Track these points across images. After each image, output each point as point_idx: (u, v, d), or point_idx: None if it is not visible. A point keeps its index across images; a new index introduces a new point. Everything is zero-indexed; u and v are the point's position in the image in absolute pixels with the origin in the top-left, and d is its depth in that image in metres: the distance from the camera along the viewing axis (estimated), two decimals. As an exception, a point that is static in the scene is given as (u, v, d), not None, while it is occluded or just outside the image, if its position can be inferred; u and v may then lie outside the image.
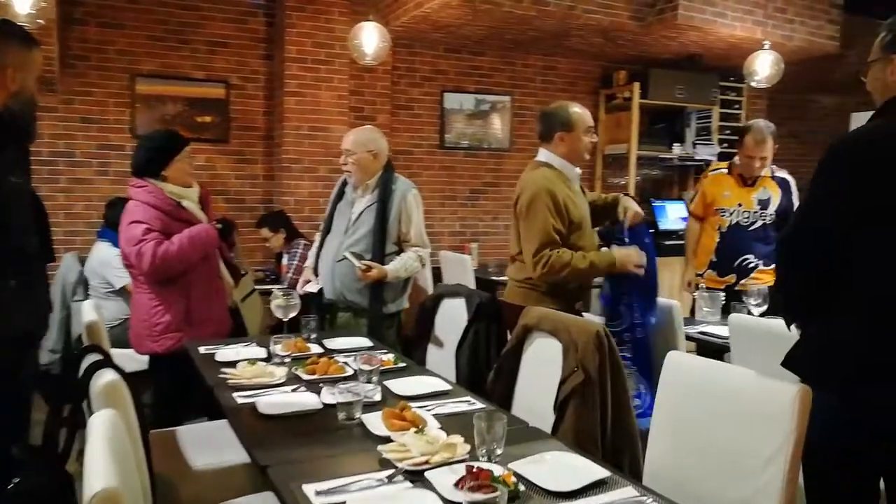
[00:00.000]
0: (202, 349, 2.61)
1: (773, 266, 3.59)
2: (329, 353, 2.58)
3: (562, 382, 2.20)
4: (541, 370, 2.35)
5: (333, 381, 2.17)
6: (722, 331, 3.11)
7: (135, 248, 2.74)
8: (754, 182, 3.61)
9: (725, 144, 6.31)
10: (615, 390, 2.18)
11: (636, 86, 5.86)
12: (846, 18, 5.68)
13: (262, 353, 2.54)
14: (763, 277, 3.56)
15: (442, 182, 5.85)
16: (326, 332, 2.94)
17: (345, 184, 3.29)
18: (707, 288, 3.62)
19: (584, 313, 2.87)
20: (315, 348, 2.63)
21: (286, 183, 5.11)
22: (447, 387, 2.16)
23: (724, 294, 3.52)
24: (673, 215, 6.23)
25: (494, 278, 4.98)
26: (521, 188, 2.76)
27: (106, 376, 1.55)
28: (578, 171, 2.84)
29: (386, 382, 2.18)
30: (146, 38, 4.90)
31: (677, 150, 6.19)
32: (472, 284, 4.58)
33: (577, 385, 2.15)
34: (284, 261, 4.52)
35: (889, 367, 1.65)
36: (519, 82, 6.07)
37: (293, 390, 2.12)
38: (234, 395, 2.07)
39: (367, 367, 2.15)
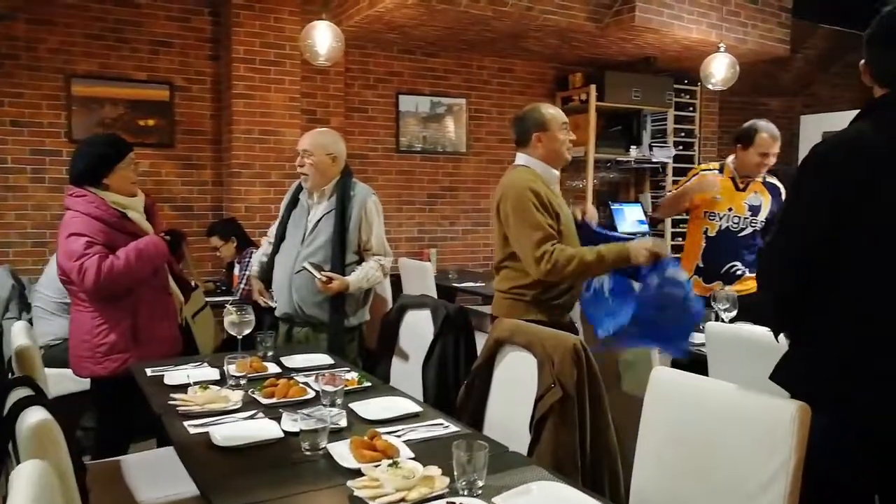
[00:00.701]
0: (149, 371, 2.41)
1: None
2: (288, 372, 2.41)
3: (538, 400, 2.08)
4: (514, 386, 2.23)
5: (294, 405, 2.01)
6: (697, 338, 3.04)
7: (76, 263, 2.52)
8: (746, 186, 3.50)
9: (681, 147, 6.33)
10: (594, 406, 2.07)
11: (592, 88, 5.82)
12: (793, 23, 5.75)
13: (214, 374, 2.36)
14: (751, 285, 3.49)
15: (399, 187, 5.70)
16: (283, 349, 2.76)
17: (299, 190, 3.11)
18: None
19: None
20: (272, 368, 2.46)
21: (236, 189, 4.89)
22: (417, 408, 2.02)
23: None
24: (631, 218, 6.21)
25: (456, 285, 4.86)
26: (501, 193, 2.64)
27: (35, 416, 1.36)
28: (557, 173, 2.73)
29: (351, 405, 2.02)
30: (82, 37, 4.62)
31: (634, 152, 6.18)
32: (432, 292, 4.45)
33: (555, 402, 2.04)
34: (236, 271, 4.31)
35: (881, 385, 1.58)
36: (475, 84, 5.97)
37: (250, 417, 1.95)
38: (186, 423, 1.89)
39: (330, 389, 1.99)
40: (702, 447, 1.60)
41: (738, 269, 3.48)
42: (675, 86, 6.21)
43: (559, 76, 6.23)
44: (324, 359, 2.61)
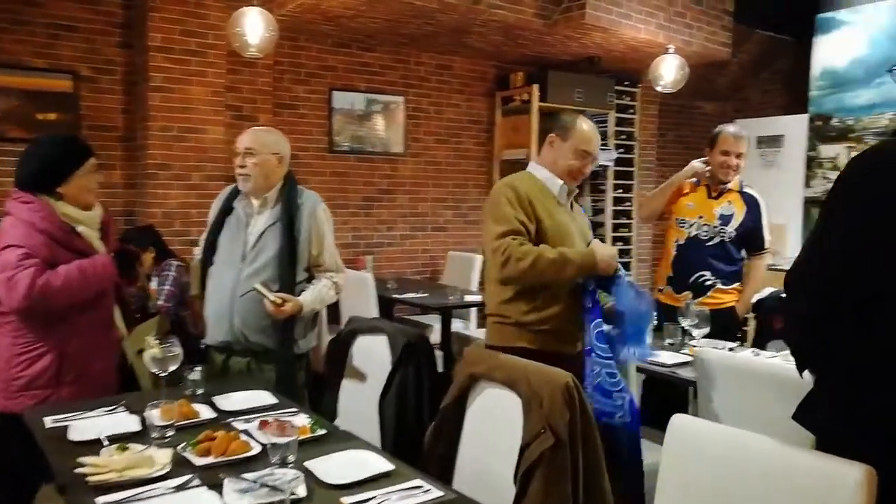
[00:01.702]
0: (49, 421, 1.97)
1: (734, 285, 3.36)
2: (223, 417, 2.04)
3: (525, 447, 1.80)
4: (492, 430, 1.95)
5: (237, 466, 1.65)
6: (661, 357, 2.84)
7: (6, 275, 2.17)
8: (720, 195, 3.36)
9: (622, 150, 6.22)
10: (587, 452, 1.82)
11: (535, 88, 5.61)
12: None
13: (133, 423, 1.96)
14: (723, 298, 3.32)
15: (332, 189, 5.31)
16: (217, 385, 2.35)
17: (233, 196, 2.70)
18: (664, 309, 3.36)
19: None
20: (205, 411, 2.07)
21: (152, 192, 4.39)
22: (388, 465, 1.69)
23: (654, 313, 3.27)
24: (572, 222, 6.04)
25: (396, 296, 4.53)
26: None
27: None
28: (563, 185, 2.45)
29: (308, 463, 1.68)
30: (-32, 17, 4.04)
31: (575, 154, 6.00)
32: (373, 305, 4.12)
33: (545, 450, 1.77)
34: (153, 284, 3.82)
35: None
36: (413, 82, 5.65)
37: (182, 486, 1.58)
38: (98, 501, 1.50)
39: (280, 441, 1.65)
40: (740, 516, 1.35)
41: (707, 280, 3.34)
42: (617, 87, 6.09)
43: (500, 75, 5.99)
44: (265, 397, 2.23)
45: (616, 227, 6.32)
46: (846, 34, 5.62)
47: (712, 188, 3.38)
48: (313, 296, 2.58)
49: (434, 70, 5.76)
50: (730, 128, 3.39)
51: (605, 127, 6.12)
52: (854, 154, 1.50)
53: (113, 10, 4.45)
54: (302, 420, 1.97)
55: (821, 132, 5.85)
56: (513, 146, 5.90)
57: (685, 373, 2.62)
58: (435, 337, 4.62)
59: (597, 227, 6.19)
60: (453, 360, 4.46)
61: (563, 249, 2.29)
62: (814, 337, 1.53)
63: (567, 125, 2.44)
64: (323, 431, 1.92)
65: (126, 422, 1.97)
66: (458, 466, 2.01)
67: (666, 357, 2.84)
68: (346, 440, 1.90)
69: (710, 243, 3.33)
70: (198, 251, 2.77)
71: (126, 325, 2.61)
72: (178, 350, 2.13)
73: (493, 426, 1.94)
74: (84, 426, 1.91)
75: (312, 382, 2.71)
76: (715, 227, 3.32)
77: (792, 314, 1.59)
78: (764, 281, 3.64)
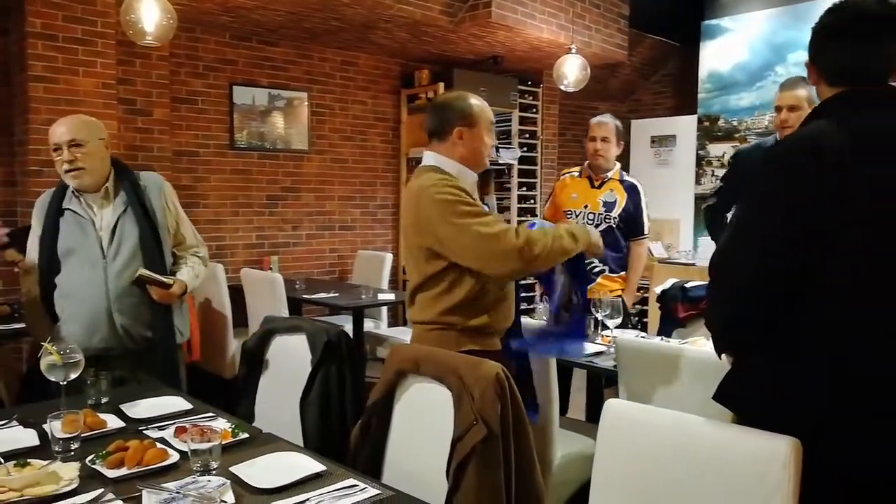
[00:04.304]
0: (-70, 440, 1.78)
1: (620, 273, 3.53)
2: (134, 425, 1.90)
3: (457, 440, 1.78)
4: (422, 425, 1.91)
5: (155, 476, 1.54)
6: (589, 349, 2.91)
7: None
8: (602, 184, 3.53)
9: (525, 148, 6.34)
10: (519, 443, 1.82)
11: (441, 86, 5.62)
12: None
13: (31, 437, 1.79)
14: (609, 285, 3.47)
15: (234, 188, 5.11)
16: (121, 394, 2.19)
17: (59, 197, 2.48)
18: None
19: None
20: (113, 421, 1.92)
21: (34, 191, 4.04)
22: (319, 466, 1.63)
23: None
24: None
25: (305, 296, 4.41)
26: (416, 200, 2.15)
27: None
28: (475, 177, 2.29)
29: (233, 468, 1.58)
30: None
31: (481, 153, 6.06)
32: (283, 307, 3.99)
33: (477, 443, 1.75)
34: (39, 290, 3.54)
35: (856, 421, 1.45)
36: (317, 78, 5.53)
37: (94, 501, 1.45)
38: (-2, 523, 1.35)
39: (202, 447, 1.55)
40: (672, 496, 1.38)
41: (595, 267, 3.50)
42: (519, 87, 6.20)
43: (405, 72, 5.97)
44: (177, 402, 2.10)
45: (543, 217, 6.43)
46: (729, 40, 5.98)
47: (594, 178, 3.56)
48: (189, 273, 2.52)
49: (339, 66, 5.66)
50: (597, 116, 3.61)
51: (509, 126, 6.22)
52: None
53: (-14, -7, 4.10)
54: (222, 424, 1.87)
55: (709, 132, 6.20)
56: (420, 144, 5.87)
57: (601, 362, 2.69)
58: (346, 337, 4.54)
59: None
60: (366, 359, 4.39)
61: (567, 227, 2.18)
62: (738, 321, 1.59)
63: (467, 111, 2.20)
64: (246, 435, 1.82)
65: (22, 437, 1.80)
66: (386, 464, 1.96)
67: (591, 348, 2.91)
68: (271, 443, 1.81)
69: (597, 230, 3.48)
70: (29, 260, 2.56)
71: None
72: (79, 356, 1.97)
73: (423, 421, 1.91)
74: (-27, 444, 1.73)
75: (210, 386, 2.61)
76: (600, 213, 3.49)
77: (717, 300, 1.64)
78: (660, 269, 3.81)
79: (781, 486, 1.25)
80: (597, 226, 3.46)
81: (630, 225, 3.53)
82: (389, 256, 5.17)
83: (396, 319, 5.61)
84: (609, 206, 3.50)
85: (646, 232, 3.61)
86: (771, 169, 1.52)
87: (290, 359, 2.38)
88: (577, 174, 3.65)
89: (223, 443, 1.72)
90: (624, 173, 3.60)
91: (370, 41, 5.30)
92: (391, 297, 4.44)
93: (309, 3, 4.25)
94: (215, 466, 1.55)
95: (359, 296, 4.29)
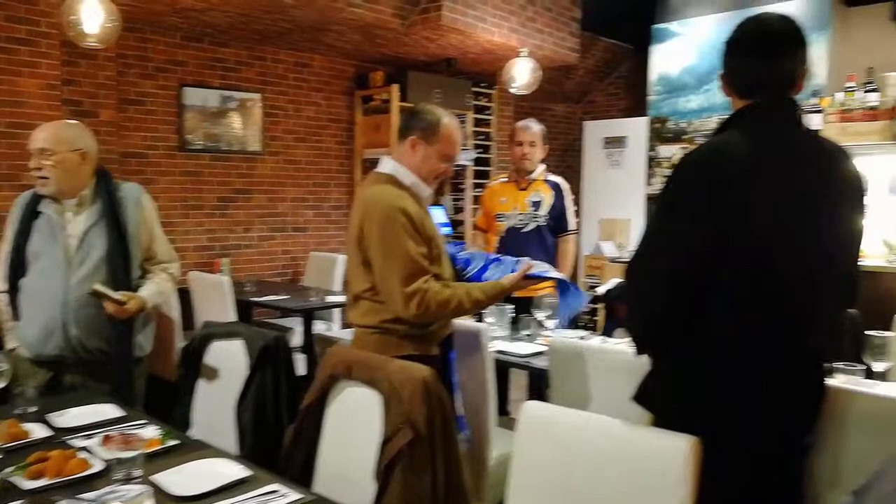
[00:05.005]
0: None
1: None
2: (60, 435, 1.89)
3: (385, 443, 1.81)
4: (353, 429, 1.94)
5: (74, 488, 1.54)
6: (517, 347, 2.97)
7: None
8: (528, 186, 3.68)
9: (480, 150, 6.39)
10: (446, 445, 1.85)
11: (395, 88, 5.64)
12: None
13: (-48, 449, 1.77)
14: (541, 284, 3.53)
15: (184, 190, 5.07)
16: (51, 402, 2.18)
17: (35, 201, 2.49)
18: None
19: None
20: (38, 431, 1.90)
21: (-26, 193, 3.98)
22: (244, 472, 1.64)
23: (512, 306, 3.40)
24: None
25: (254, 299, 4.39)
26: (363, 210, 2.16)
27: None
28: (430, 190, 2.28)
29: (155, 477, 1.59)
30: None
31: (436, 154, 6.09)
32: (230, 311, 3.98)
33: (405, 445, 1.78)
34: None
35: (755, 412, 1.53)
36: (270, 79, 5.50)
37: (11, 512, 1.45)
38: None
39: (124, 455, 1.55)
40: (585, 494, 1.44)
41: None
42: (474, 89, 6.25)
43: (359, 74, 5.97)
44: (108, 410, 2.09)
45: (475, 227, 6.47)
46: (678, 44, 6.11)
47: (520, 181, 3.70)
48: (153, 289, 2.50)
49: (292, 67, 5.63)
50: (522, 121, 3.76)
51: (464, 127, 6.27)
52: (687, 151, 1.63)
53: (-77, -8, 3.99)
54: (151, 432, 1.87)
55: (659, 133, 6.32)
56: (374, 145, 5.89)
57: (539, 362, 2.74)
58: (298, 339, 4.53)
59: (457, 225, 6.33)
60: (316, 362, 4.39)
61: (477, 294, 2.19)
62: (656, 323, 1.65)
63: (432, 126, 2.19)
64: (174, 442, 1.83)
65: (-59, 448, 1.78)
66: (318, 468, 1.99)
67: (521, 347, 2.96)
68: (200, 449, 1.82)
69: (526, 230, 3.66)
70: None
71: None
72: (5, 366, 1.95)
73: (354, 425, 1.94)
74: None
75: (156, 391, 2.60)
76: (528, 213, 3.63)
77: (634, 301, 1.70)
78: (612, 269, 3.92)
79: (682, 483, 1.31)
80: (525, 226, 3.61)
81: (557, 222, 3.69)
82: (342, 258, 5.17)
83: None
84: (537, 205, 3.65)
85: (571, 228, 3.76)
86: (681, 176, 1.58)
87: (228, 364, 2.38)
88: (505, 179, 3.78)
89: (151, 451, 1.74)
90: (548, 173, 3.75)
91: (323, 42, 5.29)
92: (342, 298, 4.44)
93: (258, 5, 4.24)
94: (138, 475, 1.55)
95: (308, 298, 4.29)
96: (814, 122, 4.63)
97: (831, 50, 5.13)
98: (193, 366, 2.48)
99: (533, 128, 3.67)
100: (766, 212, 1.50)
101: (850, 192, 1.65)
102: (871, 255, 4.22)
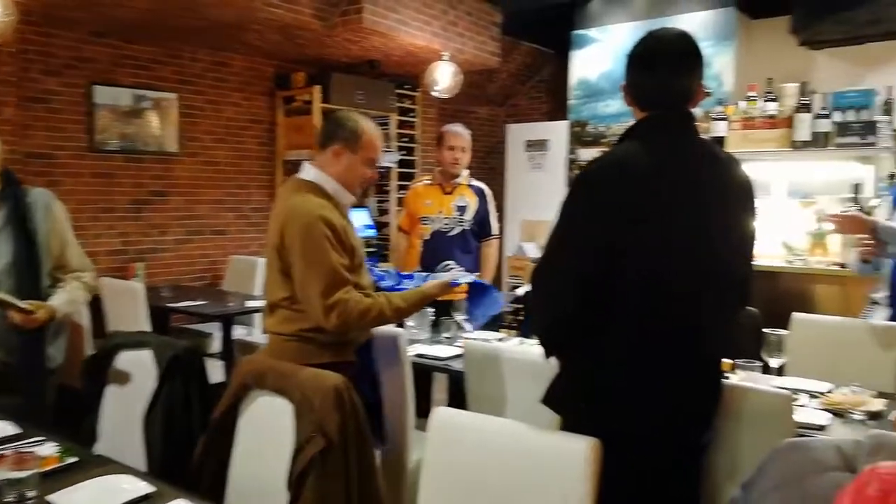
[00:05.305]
0: None
1: (474, 274, 3.66)
2: (-50, 455, 1.79)
3: (297, 452, 1.80)
4: (266, 439, 1.92)
5: (-37, 511, 1.46)
6: (437, 350, 2.99)
7: None
8: (453, 190, 3.72)
9: (404, 152, 6.39)
10: (359, 451, 1.86)
11: (317, 89, 5.58)
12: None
13: None
14: (465, 287, 3.59)
15: (95, 192, 4.87)
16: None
17: None
18: None
19: None
20: (-75, 451, 1.80)
21: None
22: (147, 488, 1.60)
23: (433, 309, 3.43)
24: (357, 223, 6.07)
25: (171, 305, 4.27)
26: (283, 218, 2.15)
27: None
28: (352, 198, 2.31)
29: (51, 497, 1.53)
30: None
31: (359, 155, 6.06)
32: (144, 318, 3.85)
33: (316, 454, 1.78)
34: None
35: (650, 412, 1.59)
36: (186, 78, 5.35)
37: None
38: None
39: (15, 476, 1.49)
40: (492, 497, 1.46)
41: (451, 268, 3.60)
42: (397, 91, 6.25)
43: (280, 74, 5.87)
44: (3, 427, 1.99)
45: (399, 229, 6.48)
46: (596, 50, 6.27)
47: (445, 185, 3.74)
48: (63, 298, 2.41)
49: (210, 67, 5.49)
50: (453, 126, 3.80)
51: (388, 129, 6.26)
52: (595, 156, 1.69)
53: None
54: (48, 449, 1.80)
55: (579, 137, 6.47)
56: (296, 147, 5.81)
57: (459, 365, 2.77)
58: (217, 346, 4.44)
59: (381, 227, 6.32)
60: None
61: (396, 301, 2.22)
62: (556, 325, 1.70)
63: (355, 134, 2.23)
64: (74, 459, 1.76)
65: None
66: (230, 479, 1.95)
67: (441, 350, 2.99)
68: (102, 466, 1.76)
69: (452, 233, 3.72)
70: None
71: None
72: None
73: (266, 435, 1.92)
74: None
75: (66, 402, 2.50)
76: (454, 217, 3.69)
77: (538, 305, 1.75)
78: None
79: (581, 482, 1.35)
80: (450, 230, 3.66)
81: (481, 227, 3.76)
82: (263, 262, 5.07)
83: (273, 325, 5.51)
84: (462, 209, 3.71)
85: (494, 232, 3.84)
86: (581, 185, 1.63)
87: (136, 374, 2.31)
88: (429, 181, 3.81)
89: (46, 469, 1.66)
90: (471, 178, 3.80)
91: (242, 42, 5.18)
92: (263, 304, 4.36)
93: (170, 2, 4.11)
94: (32, 496, 1.49)
95: (227, 303, 4.20)
96: (720, 128, 4.85)
97: (736, 60, 5.38)
98: (99, 378, 2.39)
99: (464, 133, 3.75)
100: (663, 219, 1.57)
101: (742, 198, 1.74)
102: (771, 256, 4.45)
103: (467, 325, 3.14)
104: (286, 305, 2.20)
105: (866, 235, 2.62)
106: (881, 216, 2.96)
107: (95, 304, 4.10)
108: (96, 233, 4.85)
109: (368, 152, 2.26)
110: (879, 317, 2.89)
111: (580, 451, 1.37)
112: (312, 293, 2.10)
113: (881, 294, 2.96)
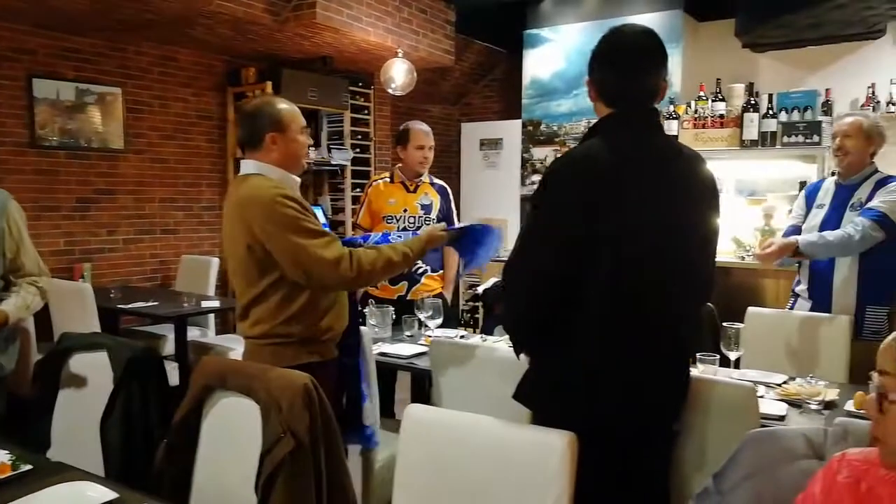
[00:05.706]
0: None
1: (440, 272, 3.67)
2: None
3: (265, 454, 1.76)
4: (231, 441, 1.88)
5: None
6: (400, 349, 2.98)
7: None
8: (416, 188, 3.68)
9: (358, 150, 6.34)
10: (329, 452, 1.83)
11: (269, 85, 5.48)
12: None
13: None
14: (431, 284, 3.61)
15: (37, 190, 4.68)
16: None
17: None
18: (376, 302, 3.47)
19: None
20: None
21: None
22: (109, 494, 1.54)
23: (393, 308, 3.41)
24: (311, 221, 6.02)
25: (121, 306, 4.13)
26: (239, 213, 2.12)
27: None
28: (298, 179, 2.28)
29: (8, 507, 1.46)
30: None
31: (313, 154, 5.97)
32: (93, 320, 3.72)
33: (286, 454, 1.74)
34: None
35: (623, 404, 1.62)
36: (132, 72, 5.18)
37: None
38: None
39: (-31, 487, 1.42)
40: (469, 493, 1.46)
41: (419, 268, 3.62)
42: (351, 88, 6.19)
43: (231, 70, 5.75)
44: (-49, 436, 1.90)
45: (355, 226, 6.43)
46: (548, 50, 6.34)
47: (408, 183, 3.69)
48: (17, 303, 2.32)
49: (157, 61, 5.34)
50: (418, 125, 3.74)
51: (341, 127, 6.19)
52: (557, 156, 1.71)
53: None
54: (2, 458, 1.72)
55: (532, 136, 6.53)
56: (248, 144, 5.69)
57: (422, 363, 2.77)
58: (170, 347, 4.32)
59: (336, 225, 6.25)
60: (191, 371, 4.20)
61: (402, 248, 2.24)
62: (527, 321, 1.71)
63: (276, 117, 2.20)
64: (28, 467, 1.69)
65: None
66: (195, 484, 1.90)
67: (404, 349, 2.98)
68: (60, 473, 1.69)
69: (417, 232, 3.66)
70: None
71: None
72: None
73: (232, 437, 1.87)
74: None
75: (17, 409, 2.39)
76: (419, 216, 3.65)
77: (509, 302, 1.75)
78: (490, 267, 4.04)
79: (559, 477, 1.36)
80: (417, 228, 3.58)
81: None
82: (216, 261, 4.98)
83: (226, 327, 5.41)
84: (427, 208, 3.67)
85: None
86: (549, 182, 1.65)
87: (90, 378, 2.23)
88: (388, 179, 3.74)
89: (2, 478, 1.59)
90: (433, 177, 3.78)
91: (191, 36, 5.05)
92: (216, 304, 4.28)
93: (114, -7, 3.98)
94: (-13, 506, 1.42)
95: (181, 304, 4.09)
96: (671, 127, 4.96)
97: (684, 61, 5.51)
98: (50, 382, 2.30)
99: (431, 133, 3.71)
100: (629, 214, 1.59)
101: (707, 194, 1.78)
102: (723, 251, 4.58)
103: (432, 323, 3.13)
104: (263, 299, 2.15)
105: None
106: (794, 214, 3.16)
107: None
108: (38, 232, 4.65)
109: (297, 123, 2.25)
110: (802, 309, 3.05)
111: (558, 445, 1.37)
112: (312, 258, 2.05)
113: (801, 286, 3.10)
